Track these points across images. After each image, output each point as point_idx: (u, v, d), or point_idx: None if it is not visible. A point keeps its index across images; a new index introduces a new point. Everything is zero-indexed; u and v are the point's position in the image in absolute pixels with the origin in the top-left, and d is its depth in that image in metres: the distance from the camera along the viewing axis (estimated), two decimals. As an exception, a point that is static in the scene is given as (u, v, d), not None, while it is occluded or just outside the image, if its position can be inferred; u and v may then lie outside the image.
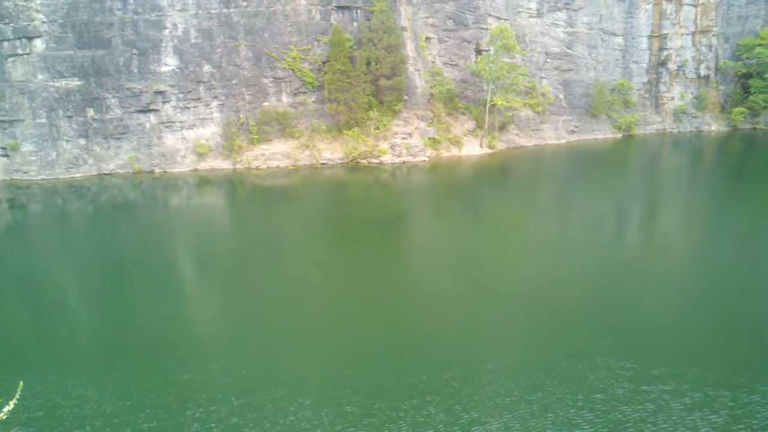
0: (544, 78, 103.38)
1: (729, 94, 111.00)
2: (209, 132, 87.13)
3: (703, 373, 30.01)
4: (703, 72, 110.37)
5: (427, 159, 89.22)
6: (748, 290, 41.46)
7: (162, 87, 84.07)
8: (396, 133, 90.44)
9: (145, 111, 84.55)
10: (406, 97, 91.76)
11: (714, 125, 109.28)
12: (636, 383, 29.25)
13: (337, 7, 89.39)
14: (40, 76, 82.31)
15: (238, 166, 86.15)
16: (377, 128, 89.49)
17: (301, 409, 28.16)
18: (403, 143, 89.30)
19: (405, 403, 28.22)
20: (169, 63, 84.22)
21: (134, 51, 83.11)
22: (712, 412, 26.92)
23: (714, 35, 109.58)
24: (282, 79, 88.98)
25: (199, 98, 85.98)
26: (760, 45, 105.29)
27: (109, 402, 29.34)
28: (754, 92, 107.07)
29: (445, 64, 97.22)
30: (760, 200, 66.32)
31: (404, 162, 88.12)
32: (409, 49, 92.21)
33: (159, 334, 36.97)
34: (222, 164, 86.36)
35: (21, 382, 16.37)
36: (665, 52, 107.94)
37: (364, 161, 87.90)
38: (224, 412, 28.11)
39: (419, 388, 29.32)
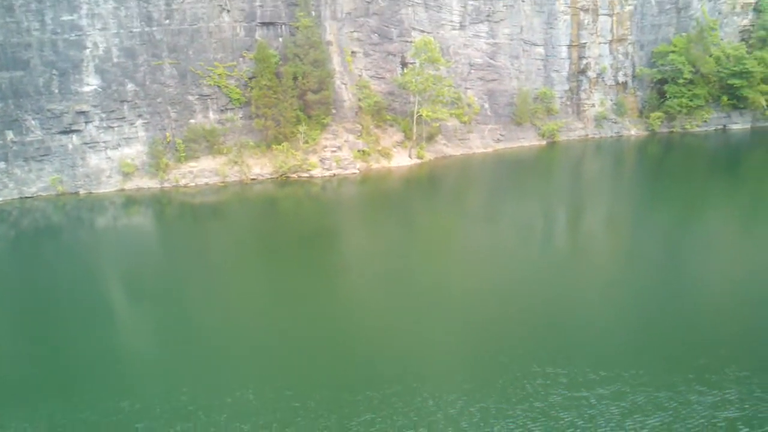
0: (469, 88, 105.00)
1: (646, 99, 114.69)
2: (135, 151, 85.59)
3: (641, 375, 30.85)
4: (621, 79, 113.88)
5: (358, 171, 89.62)
6: (676, 290, 43.05)
7: (84, 107, 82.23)
8: (325, 147, 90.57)
9: (68, 132, 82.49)
10: (334, 111, 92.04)
11: (633, 130, 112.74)
12: (573, 389, 29.92)
13: (261, 23, 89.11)
14: (-45, 99, 79.64)
15: (166, 184, 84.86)
16: (306, 142, 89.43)
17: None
18: (333, 156, 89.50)
19: (348, 422, 28.26)
20: (91, 83, 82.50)
21: (54, 71, 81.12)
22: (652, 414, 27.72)
23: (630, 43, 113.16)
24: (208, 96, 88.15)
25: (123, 117, 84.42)
26: (672, 52, 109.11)
27: (42, 436, 28.64)
28: (670, 97, 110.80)
29: (371, 77, 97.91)
30: (680, 200, 68.94)
31: (335, 175, 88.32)
32: (336, 63, 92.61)
33: (92, 363, 35.98)
34: (149, 183, 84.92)
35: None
36: (584, 61, 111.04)
37: (294, 175, 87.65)
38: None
39: (363, 406, 29.43)
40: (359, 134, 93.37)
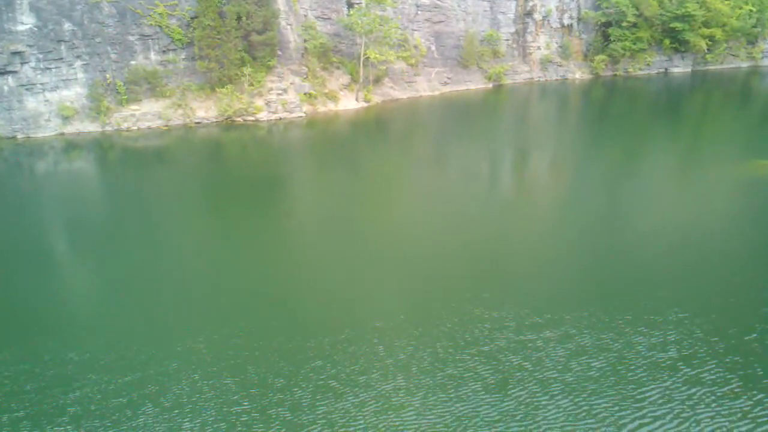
0: (416, 30, 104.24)
1: (591, 42, 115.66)
2: (74, 93, 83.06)
3: (586, 317, 31.51)
4: (566, 21, 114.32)
5: (304, 114, 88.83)
6: (619, 232, 44.16)
7: (19, 47, 78.99)
8: (271, 90, 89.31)
9: (2, 73, 79.21)
10: (279, 53, 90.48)
11: (578, 73, 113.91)
12: (520, 333, 30.48)
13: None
14: None
15: (107, 128, 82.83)
16: (251, 85, 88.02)
17: (195, 382, 28.02)
18: (279, 99, 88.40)
19: (299, 368, 28.54)
20: (26, 21, 79.17)
21: (-15, 9, 77.80)
22: (597, 355, 28.40)
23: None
24: (149, 36, 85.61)
25: (61, 58, 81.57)
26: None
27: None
28: (614, 40, 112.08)
29: (317, 17, 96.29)
30: (622, 143, 70.65)
31: (281, 118, 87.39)
32: (280, 3, 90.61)
33: (36, 313, 35.22)
34: (90, 127, 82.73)
35: None
36: (530, 3, 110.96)
37: (239, 119, 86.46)
38: (110, 391, 27.56)
39: (313, 353, 29.68)
40: (305, 77, 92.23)
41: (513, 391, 26.34)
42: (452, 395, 26.25)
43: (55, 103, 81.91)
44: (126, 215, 53.44)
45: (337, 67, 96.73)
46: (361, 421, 25.02)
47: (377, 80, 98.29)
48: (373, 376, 27.78)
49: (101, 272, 41.65)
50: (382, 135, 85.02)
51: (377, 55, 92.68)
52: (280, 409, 26.00)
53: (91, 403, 26.98)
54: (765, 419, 24.14)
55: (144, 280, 39.52)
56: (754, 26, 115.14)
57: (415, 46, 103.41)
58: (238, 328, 32.59)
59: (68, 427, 25.64)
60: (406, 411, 25.50)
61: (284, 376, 28.12)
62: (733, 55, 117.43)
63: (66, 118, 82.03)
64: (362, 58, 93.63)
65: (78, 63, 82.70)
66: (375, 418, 25.14)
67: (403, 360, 28.81)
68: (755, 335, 29.62)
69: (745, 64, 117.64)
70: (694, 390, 25.90)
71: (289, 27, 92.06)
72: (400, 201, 55.17)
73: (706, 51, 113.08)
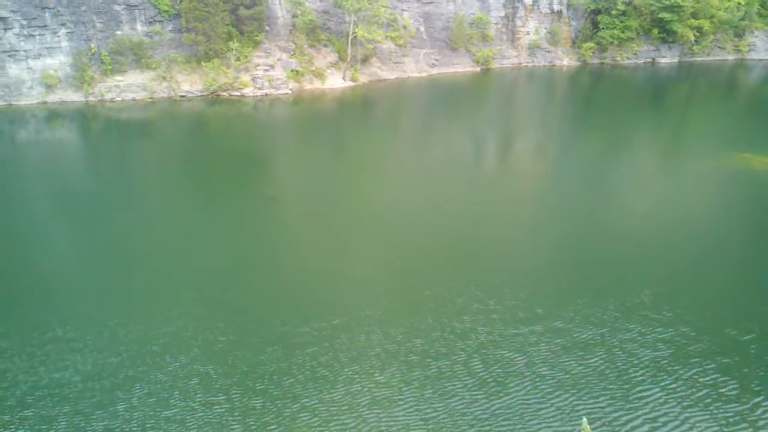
0: (405, 11, 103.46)
1: (579, 29, 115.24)
2: (58, 62, 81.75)
3: (577, 312, 31.45)
4: (556, 7, 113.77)
5: (290, 91, 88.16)
6: (608, 224, 44.20)
7: (3, 13, 77.44)
8: (258, 65, 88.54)
9: (-16, 39, 78.12)
10: (267, 28, 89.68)
11: (566, 60, 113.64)
12: (510, 326, 30.37)
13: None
14: None
15: (91, 98, 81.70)
16: (238, 60, 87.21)
17: (183, 365, 27.88)
18: (265, 75, 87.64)
19: (291, 355, 28.37)
20: (10, -13, 77.81)
21: (-31, -27, 76.10)
22: (590, 351, 28.31)
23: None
24: (135, 6, 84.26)
25: (45, 25, 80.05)
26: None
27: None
28: (602, 28, 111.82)
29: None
30: (609, 131, 70.83)
31: (267, 94, 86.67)
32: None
33: (20, 289, 34.83)
34: (73, 96, 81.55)
35: None
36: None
37: (225, 94, 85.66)
38: (94, 372, 27.37)
39: (305, 338, 29.54)
40: (293, 53, 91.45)
41: (504, 386, 26.25)
42: (444, 390, 26.14)
43: (39, 71, 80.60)
44: (109, 187, 52.59)
45: (325, 45, 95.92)
46: (352, 415, 24.88)
47: (365, 60, 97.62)
48: (365, 366, 27.69)
49: (87, 246, 41.05)
50: (369, 115, 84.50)
51: (366, 34, 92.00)
52: (267, 398, 25.89)
53: (74, 384, 26.74)
54: (763, 423, 24.10)
55: (132, 258, 38.86)
56: (742, 19, 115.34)
57: (404, 27, 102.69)
58: (227, 312, 32.29)
59: (54, 409, 25.37)
60: (397, 405, 25.38)
61: (274, 361, 27.96)
62: (720, 48, 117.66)
63: (49, 87, 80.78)
64: (351, 37, 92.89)
65: (62, 31, 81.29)
66: (367, 411, 25.02)
67: (393, 351, 28.69)
68: (752, 336, 29.51)
69: (731, 57, 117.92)
70: (690, 391, 25.85)
71: (277, 2, 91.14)
72: (387, 184, 54.76)
73: (693, 42, 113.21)
